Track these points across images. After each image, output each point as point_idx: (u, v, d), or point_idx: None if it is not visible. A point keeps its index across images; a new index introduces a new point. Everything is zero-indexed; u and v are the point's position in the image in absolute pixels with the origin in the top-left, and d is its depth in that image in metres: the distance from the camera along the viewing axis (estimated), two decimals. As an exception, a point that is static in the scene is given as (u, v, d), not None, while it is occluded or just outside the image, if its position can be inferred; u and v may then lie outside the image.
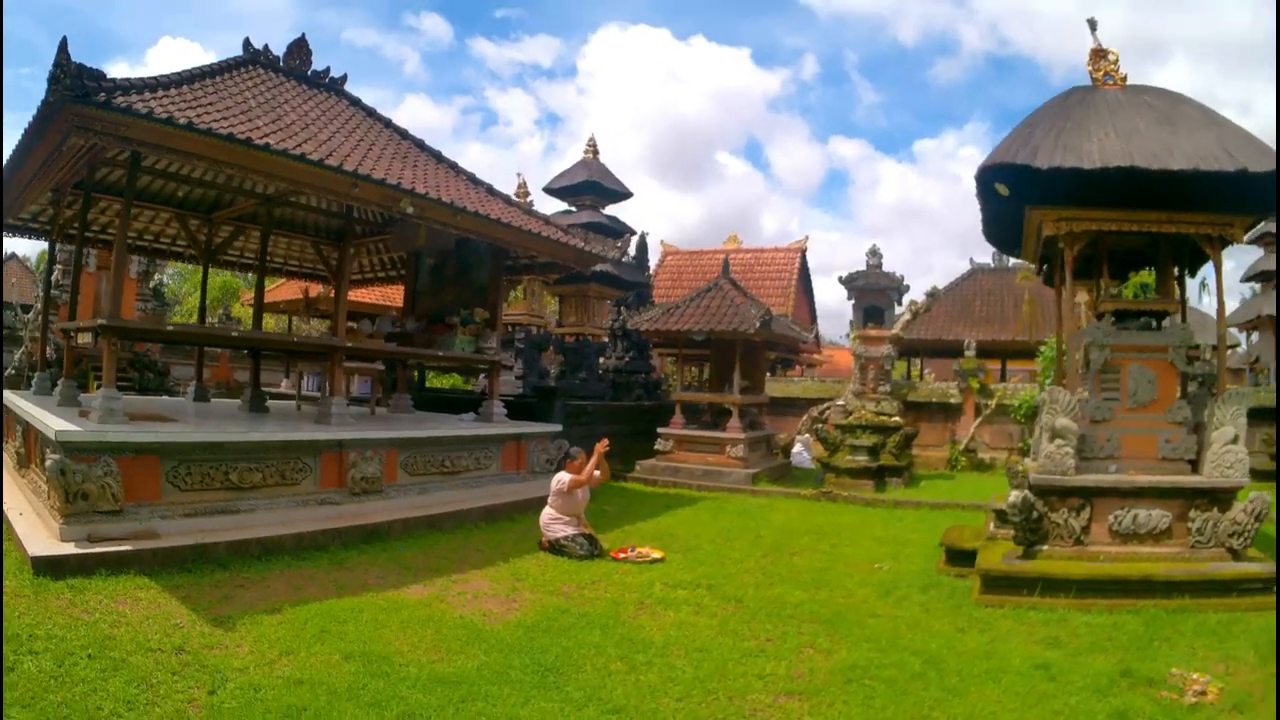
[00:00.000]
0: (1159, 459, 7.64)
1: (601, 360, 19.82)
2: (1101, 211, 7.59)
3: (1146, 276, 10.83)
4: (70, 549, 6.57)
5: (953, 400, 18.86)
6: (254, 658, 5.13)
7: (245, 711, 4.34)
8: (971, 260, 28.29)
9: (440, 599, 6.75)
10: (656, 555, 8.65)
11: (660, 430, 16.01)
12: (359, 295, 20.16)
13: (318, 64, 11.82)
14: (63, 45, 6.32)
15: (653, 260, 30.56)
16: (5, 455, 9.81)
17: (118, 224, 12.41)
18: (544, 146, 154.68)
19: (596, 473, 9.40)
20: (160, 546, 6.94)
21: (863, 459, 14.96)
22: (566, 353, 18.48)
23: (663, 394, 19.12)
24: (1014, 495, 7.31)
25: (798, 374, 29.34)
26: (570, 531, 8.83)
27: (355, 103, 12.07)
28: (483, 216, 10.40)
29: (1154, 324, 8.14)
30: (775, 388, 20.73)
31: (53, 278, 14.79)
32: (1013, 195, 7.78)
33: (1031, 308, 21.85)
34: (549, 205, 19.51)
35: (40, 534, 6.96)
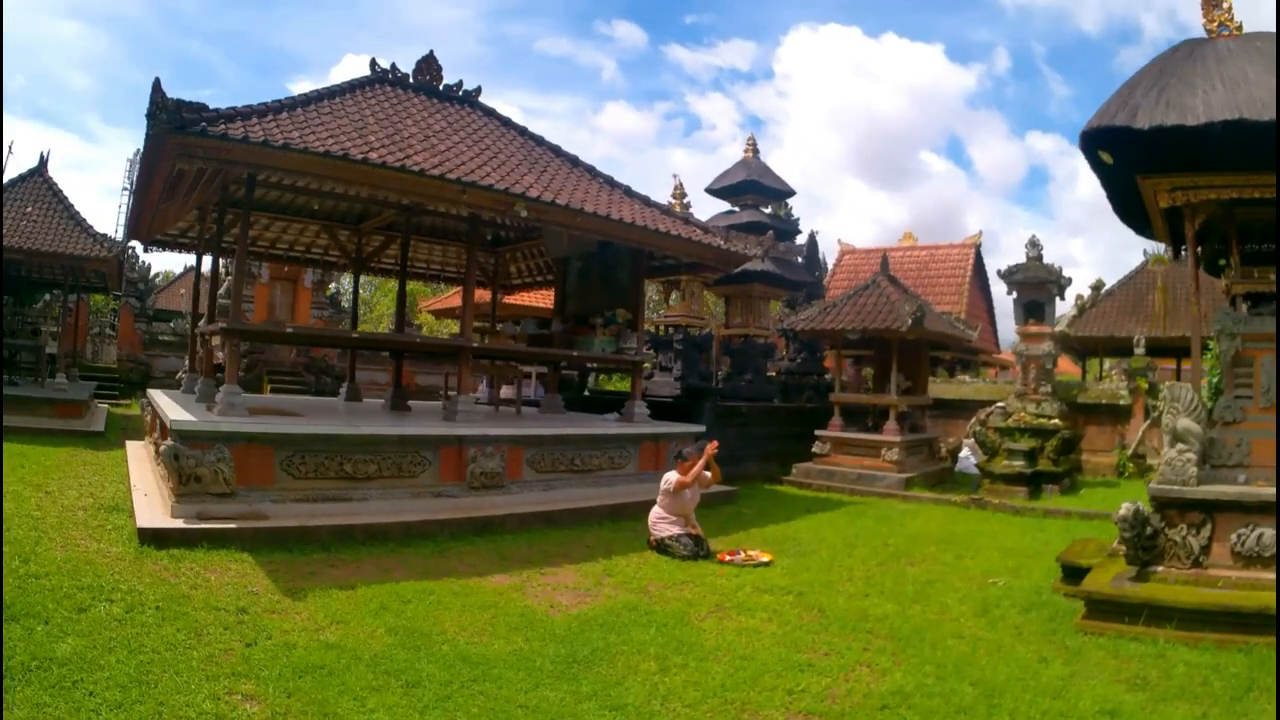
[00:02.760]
0: None
1: (773, 362, 19.87)
2: (1220, 177, 6.88)
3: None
4: (178, 524, 7.55)
5: (1122, 402, 17.58)
6: (305, 623, 5.70)
7: (269, 663, 4.87)
8: (1145, 251, 25.65)
9: (518, 588, 7.09)
10: (764, 559, 8.61)
11: (817, 433, 15.91)
12: (526, 299, 21.30)
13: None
14: (156, 85, 7.40)
15: (830, 260, 30.21)
16: (149, 446, 11.29)
17: (265, 237, 14.09)
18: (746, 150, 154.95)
19: (707, 474, 9.45)
20: (265, 526, 7.81)
21: (1018, 464, 14.39)
22: (733, 354, 18.67)
23: (833, 396, 18.93)
24: (1124, 508, 6.74)
25: (993, 375, 28.01)
26: (675, 531, 8.95)
27: (489, 113, 12.84)
28: (602, 216, 10.77)
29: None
30: (946, 389, 20.09)
31: (222, 289, 16.87)
32: (1121, 164, 7.20)
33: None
34: (712, 206, 19.82)
35: (155, 511, 8.04)
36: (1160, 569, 6.83)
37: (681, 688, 5.01)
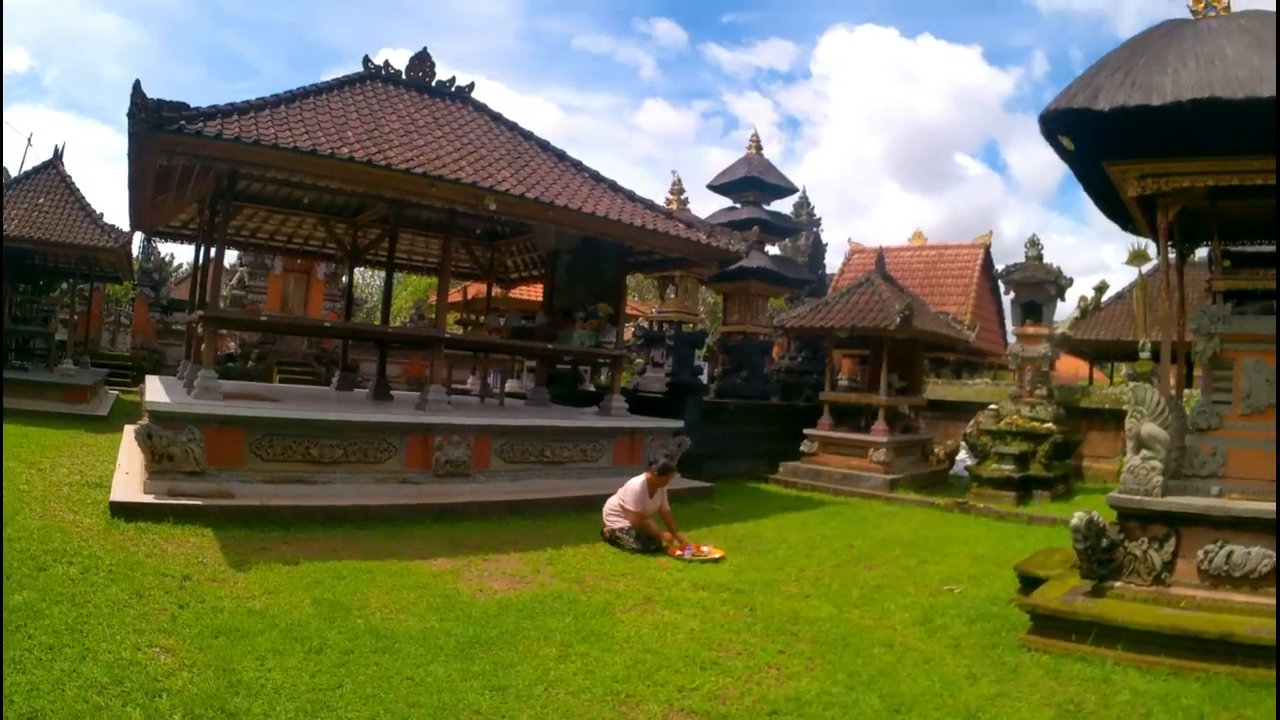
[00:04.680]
0: (1273, 480, 6.41)
1: (775, 359, 20.34)
2: (1193, 162, 6.50)
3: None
4: (148, 499, 8.30)
5: (1125, 406, 17.58)
6: (240, 592, 6.33)
7: (194, 623, 5.51)
8: (1155, 254, 25.56)
9: (455, 572, 7.55)
10: (716, 555, 8.82)
11: (805, 431, 16.30)
12: (530, 293, 21.87)
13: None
14: (137, 86, 8.12)
15: (836, 259, 30.55)
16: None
17: (264, 229, 14.88)
18: (782, 150, 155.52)
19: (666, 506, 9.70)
20: (229, 504, 8.52)
21: (1008, 468, 14.56)
22: (730, 351, 19.11)
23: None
24: (1077, 517, 6.48)
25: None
26: (626, 524, 9.18)
27: (480, 109, 13.48)
28: (574, 210, 11.25)
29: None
30: (948, 391, 20.41)
31: (234, 279, 17.89)
32: (1086, 150, 6.92)
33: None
34: (719, 203, 20.26)
35: (130, 487, 8.80)
36: (1118, 585, 6.55)
37: (572, 675, 5.21)
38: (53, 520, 7.72)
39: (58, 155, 19.34)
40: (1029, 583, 7.35)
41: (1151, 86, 6.09)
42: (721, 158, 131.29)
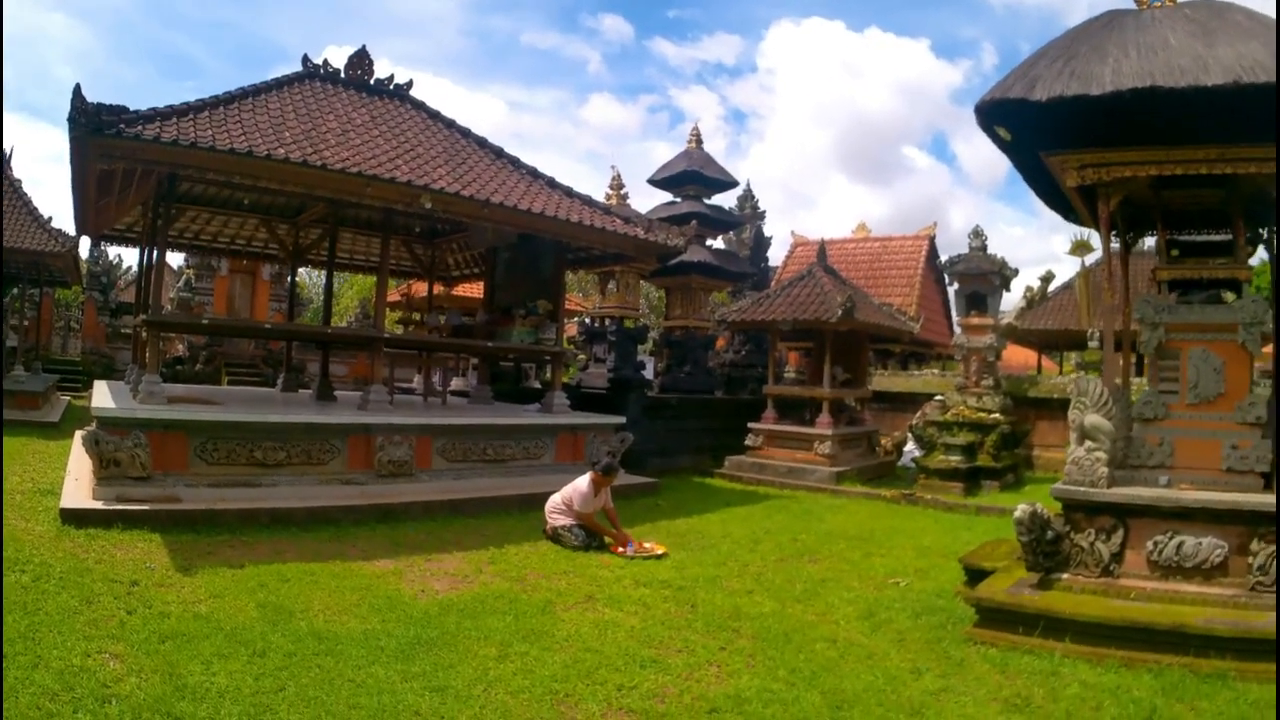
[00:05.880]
0: (1223, 470, 6.59)
1: (719, 353, 20.77)
2: (1134, 151, 6.54)
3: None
4: (97, 505, 8.50)
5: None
6: (186, 596, 6.55)
7: (141, 628, 5.73)
8: (1098, 244, 26.42)
9: (397, 573, 7.76)
10: (659, 551, 9.00)
11: (750, 425, 16.50)
12: (474, 290, 22.06)
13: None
14: (77, 90, 8.25)
15: (781, 252, 31.13)
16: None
17: (207, 230, 14.99)
18: (728, 144, 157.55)
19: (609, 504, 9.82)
20: (175, 509, 8.73)
21: (955, 459, 14.72)
22: (673, 346, 19.48)
23: (780, 389, 19.67)
24: (1021, 509, 6.47)
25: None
26: (568, 521, 9.35)
27: (418, 107, 13.72)
28: (509, 208, 11.49)
29: (1229, 297, 7.12)
30: (894, 382, 20.83)
31: (180, 282, 17.99)
32: (1025, 142, 7.00)
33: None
34: (657, 197, 20.55)
35: (80, 493, 9.00)
36: (1066, 576, 6.57)
37: (511, 675, 5.32)
38: (5, 529, 7.82)
39: (5, 159, 19.28)
40: (975, 575, 7.38)
41: (1091, 76, 6.14)
42: (667, 152, 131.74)
